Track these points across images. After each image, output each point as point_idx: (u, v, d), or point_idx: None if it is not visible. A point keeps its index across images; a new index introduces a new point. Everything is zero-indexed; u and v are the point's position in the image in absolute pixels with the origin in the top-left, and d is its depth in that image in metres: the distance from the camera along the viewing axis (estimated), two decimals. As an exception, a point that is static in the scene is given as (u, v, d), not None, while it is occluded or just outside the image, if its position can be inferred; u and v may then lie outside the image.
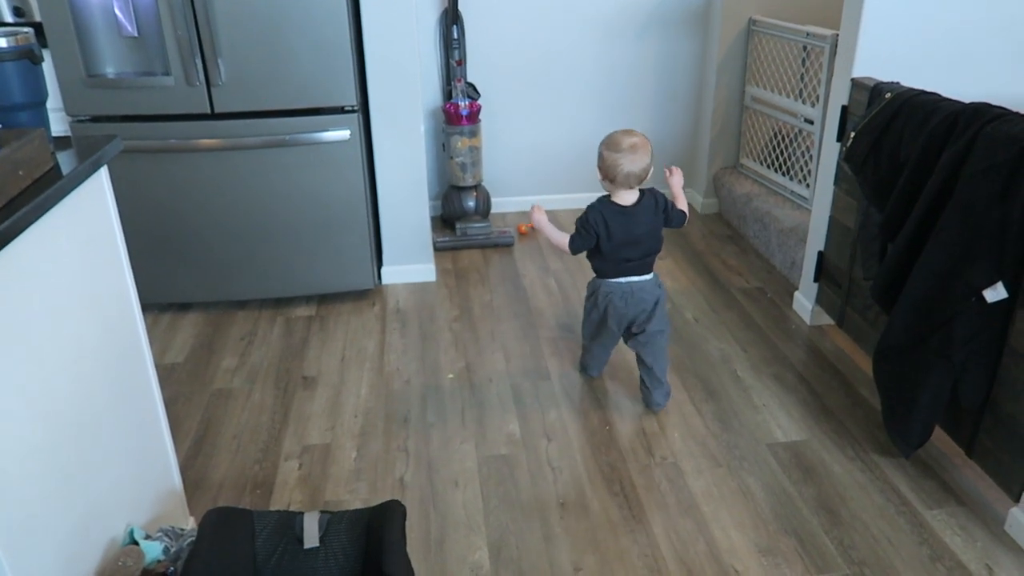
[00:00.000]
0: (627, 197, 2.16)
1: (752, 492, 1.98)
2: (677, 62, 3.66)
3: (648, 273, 2.23)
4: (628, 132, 2.14)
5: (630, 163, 2.09)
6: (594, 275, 2.27)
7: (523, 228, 3.57)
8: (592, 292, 2.27)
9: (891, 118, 2.10)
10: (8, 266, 1.11)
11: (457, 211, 3.49)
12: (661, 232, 2.21)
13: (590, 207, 2.18)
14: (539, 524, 1.89)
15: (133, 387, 1.55)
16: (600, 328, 2.29)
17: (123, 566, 1.32)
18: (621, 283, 2.20)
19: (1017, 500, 1.81)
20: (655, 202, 2.18)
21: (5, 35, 1.28)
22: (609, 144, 2.13)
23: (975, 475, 2.00)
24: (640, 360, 2.28)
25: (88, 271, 1.38)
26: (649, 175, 2.15)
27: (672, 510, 1.92)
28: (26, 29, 1.30)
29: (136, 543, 1.40)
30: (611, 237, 2.14)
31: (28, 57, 1.29)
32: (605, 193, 2.20)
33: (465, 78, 3.41)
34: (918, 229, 1.93)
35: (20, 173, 1.18)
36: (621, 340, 2.35)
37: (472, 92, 3.42)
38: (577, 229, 2.18)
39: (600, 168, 2.15)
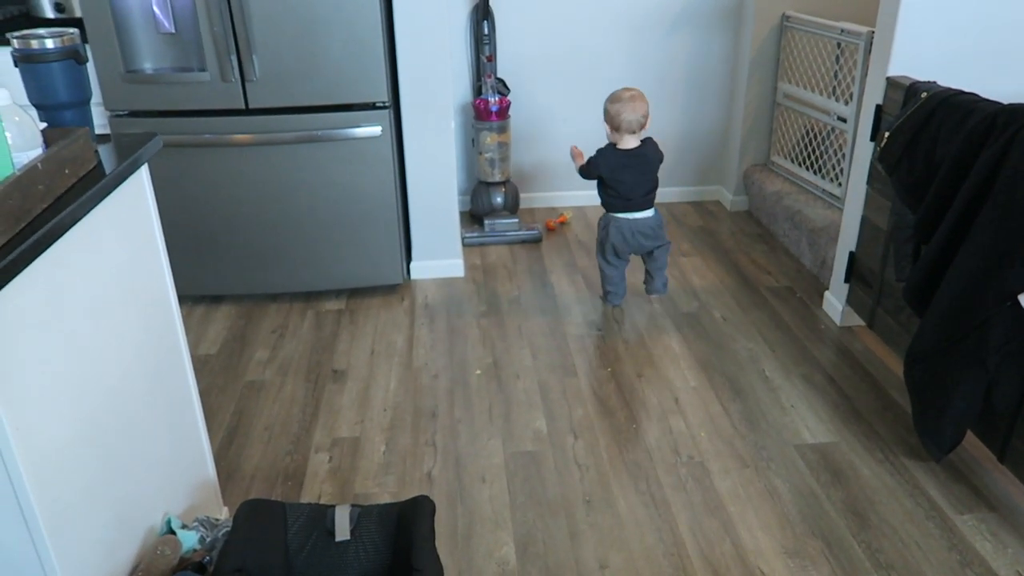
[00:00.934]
0: (630, 142, 2.59)
1: (779, 493, 1.98)
2: (709, 58, 3.63)
3: (650, 208, 2.67)
4: (626, 88, 2.60)
5: (630, 111, 2.54)
6: (604, 211, 2.70)
7: (551, 224, 3.57)
8: (605, 225, 2.69)
9: (927, 118, 2.07)
10: (55, 261, 1.15)
11: (485, 207, 3.51)
12: (657, 173, 2.65)
13: (597, 151, 2.64)
14: (565, 521, 1.90)
15: (170, 378, 1.59)
16: (612, 253, 2.70)
17: (161, 555, 1.35)
18: (629, 219, 2.64)
19: (1050, 507, 1.79)
20: (654, 147, 2.65)
21: (52, 36, 1.31)
22: (611, 99, 2.58)
23: (1007, 480, 1.98)
24: (647, 267, 2.79)
25: (129, 265, 1.42)
26: (648, 123, 2.59)
27: (698, 510, 1.93)
28: (72, 30, 1.34)
29: (173, 532, 1.44)
30: (614, 174, 2.59)
31: (74, 57, 1.33)
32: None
33: (495, 74, 3.42)
34: (953, 231, 1.91)
35: (66, 171, 1.21)
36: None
37: (502, 88, 3.43)
38: (585, 164, 2.67)
39: (606, 120, 2.60)
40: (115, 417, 1.34)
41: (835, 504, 1.94)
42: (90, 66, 2.49)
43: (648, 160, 2.61)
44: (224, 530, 1.48)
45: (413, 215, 3.03)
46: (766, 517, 1.90)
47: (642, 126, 2.57)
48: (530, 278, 3.12)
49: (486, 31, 3.36)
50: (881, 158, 2.25)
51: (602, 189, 2.67)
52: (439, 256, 3.10)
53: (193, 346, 2.64)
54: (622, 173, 2.59)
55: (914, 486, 1.99)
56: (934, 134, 2.04)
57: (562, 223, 3.62)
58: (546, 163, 3.76)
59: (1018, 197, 1.72)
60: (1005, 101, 1.89)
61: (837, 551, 1.80)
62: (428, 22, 2.73)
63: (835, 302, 2.76)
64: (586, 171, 2.67)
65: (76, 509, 1.19)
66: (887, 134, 2.21)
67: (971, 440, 2.06)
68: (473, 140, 3.48)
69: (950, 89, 2.09)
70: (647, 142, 2.62)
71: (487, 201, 3.50)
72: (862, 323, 2.65)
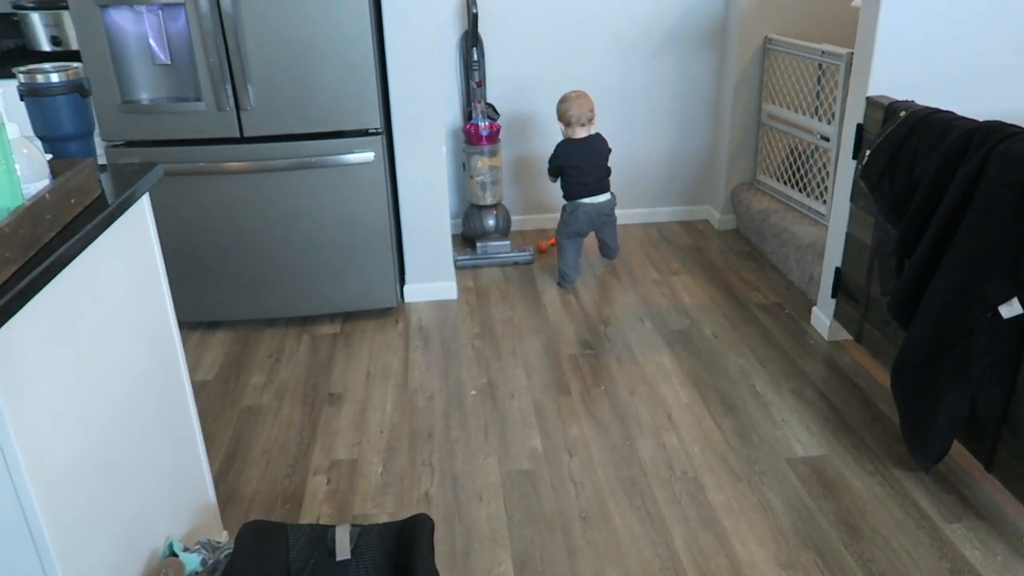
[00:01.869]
0: (580, 133, 3.09)
1: (772, 506, 2.01)
2: (694, 80, 3.71)
3: (606, 192, 3.15)
4: (573, 90, 3.14)
5: (577, 107, 3.06)
6: (566, 200, 3.16)
7: (542, 245, 3.62)
8: (572, 211, 3.16)
9: (906, 136, 2.14)
10: (62, 289, 1.18)
11: (477, 230, 3.55)
12: (608, 161, 3.14)
13: (556, 145, 3.13)
14: (562, 538, 1.92)
15: (171, 403, 1.62)
16: (574, 232, 3.17)
17: (165, 576, 1.37)
18: (593, 203, 3.13)
19: (1037, 514, 1.82)
20: (601, 139, 3.14)
21: (56, 70, 1.35)
22: (561, 99, 3.12)
23: (995, 489, 2.02)
24: (601, 239, 3.29)
25: (131, 291, 1.45)
26: (595, 117, 3.10)
27: (693, 524, 1.95)
28: (76, 64, 1.38)
29: (175, 555, 1.46)
30: (573, 161, 3.08)
31: (78, 90, 1.37)
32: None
33: (485, 99, 3.48)
34: (934, 246, 1.96)
35: (72, 201, 1.25)
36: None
37: (492, 113, 3.49)
38: (549, 163, 3.17)
39: (560, 119, 3.11)
40: (119, 441, 1.36)
41: (827, 516, 1.97)
42: (87, 98, 2.54)
43: (598, 147, 3.10)
44: (226, 552, 1.50)
45: (406, 239, 3.07)
46: (760, 530, 1.93)
47: (590, 120, 3.08)
48: (523, 299, 3.16)
49: (475, 57, 3.42)
50: (863, 175, 2.31)
51: (564, 180, 3.14)
52: (432, 279, 3.14)
53: (190, 372, 2.64)
54: (577, 159, 3.07)
55: (904, 496, 2.03)
56: (913, 151, 2.10)
57: (553, 244, 3.66)
58: (537, 186, 3.81)
59: (995, 211, 1.77)
60: (980, 119, 1.95)
61: (830, 562, 1.83)
62: (419, 50, 2.79)
63: (823, 317, 2.81)
64: (551, 167, 3.15)
65: (83, 532, 1.21)
66: (868, 152, 2.27)
67: (958, 450, 2.10)
68: (464, 164, 3.54)
69: (928, 108, 2.15)
70: (596, 135, 3.12)
71: (479, 224, 3.55)
72: (850, 337, 2.69)
